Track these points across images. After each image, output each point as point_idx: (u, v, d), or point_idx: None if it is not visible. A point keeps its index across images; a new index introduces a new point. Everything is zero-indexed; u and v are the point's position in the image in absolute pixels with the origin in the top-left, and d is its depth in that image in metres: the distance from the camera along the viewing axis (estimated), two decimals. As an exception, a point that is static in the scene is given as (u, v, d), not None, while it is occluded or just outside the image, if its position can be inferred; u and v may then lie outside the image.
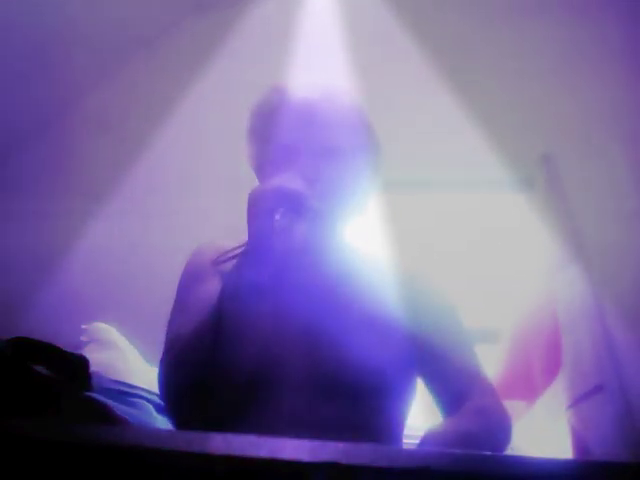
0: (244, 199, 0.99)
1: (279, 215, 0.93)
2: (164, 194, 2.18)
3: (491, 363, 1.09)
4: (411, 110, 2.11)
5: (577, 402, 1.61)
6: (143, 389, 1.42)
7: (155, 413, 1.37)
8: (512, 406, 1.03)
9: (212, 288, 1.01)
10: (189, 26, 2.36)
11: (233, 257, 1.02)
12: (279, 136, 1.07)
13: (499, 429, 0.96)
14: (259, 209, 0.93)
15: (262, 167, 1.11)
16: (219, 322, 0.94)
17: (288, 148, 1.05)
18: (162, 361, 1.00)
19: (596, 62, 2.07)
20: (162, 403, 1.15)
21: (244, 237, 0.98)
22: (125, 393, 1.38)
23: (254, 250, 0.95)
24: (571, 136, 2.03)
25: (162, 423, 1.31)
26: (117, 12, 2.14)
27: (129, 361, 1.73)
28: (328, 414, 0.92)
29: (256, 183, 1.10)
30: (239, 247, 1.03)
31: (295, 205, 0.93)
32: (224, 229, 1.13)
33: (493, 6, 2.21)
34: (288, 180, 0.95)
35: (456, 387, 1.00)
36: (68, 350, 1.24)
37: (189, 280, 1.10)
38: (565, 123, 2.04)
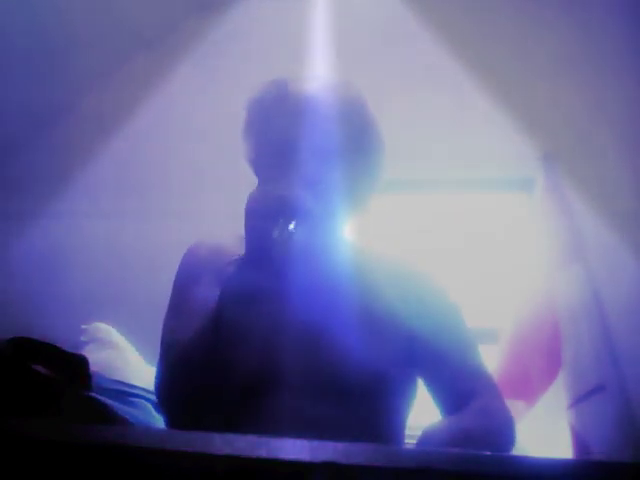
0: (244, 199, 0.99)
1: (279, 224, 0.92)
2: (164, 194, 2.18)
3: (491, 363, 1.08)
4: (411, 109, 2.11)
5: (577, 402, 1.61)
6: (143, 389, 1.42)
7: (155, 412, 1.37)
8: (512, 406, 1.02)
9: (209, 290, 1.00)
10: (189, 26, 2.36)
11: (230, 257, 1.02)
12: (278, 132, 1.04)
13: (501, 430, 0.95)
14: (258, 217, 0.92)
15: (259, 163, 1.09)
16: (218, 326, 0.93)
17: (286, 145, 1.02)
18: (159, 365, 0.99)
19: (596, 62, 2.07)
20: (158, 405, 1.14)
21: (239, 234, 0.97)
22: (125, 393, 1.38)
23: (254, 255, 0.94)
24: (571, 136, 2.03)
25: (162, 422, 1.31)
26: (117, 12, 2.14)
27: (129, 361, 1.73)
28: (329, 415, 0.91)
29: (255, 182, 1.09)
30: (235, 246, 1.03)
31: (295, 214, 0.93)
32: (224, 229, 1.13)
33: (493, 5, 2.21)
34: (287, 187, 0.94)
35: (457, 387, 0.99)
36: (68, 350, 1.24)
37: (185, 281, 1.08)
38: (565, 123, 2.04)
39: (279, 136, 1.04)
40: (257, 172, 1.10)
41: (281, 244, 0.92)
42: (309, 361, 0.95)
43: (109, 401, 1.18)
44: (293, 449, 0.53)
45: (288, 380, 0.94)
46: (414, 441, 0.86)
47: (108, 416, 1.13)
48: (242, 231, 0.97)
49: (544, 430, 1.63)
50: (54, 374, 1.10)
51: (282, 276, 0.99)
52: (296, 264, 1.01)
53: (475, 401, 0.95)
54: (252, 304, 0.97)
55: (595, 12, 2.10)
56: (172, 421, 0.99)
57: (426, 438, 0.83)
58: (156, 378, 0.99)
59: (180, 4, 2.34)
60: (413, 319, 1.02)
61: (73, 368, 1.17)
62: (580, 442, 1.56)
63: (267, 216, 0.92)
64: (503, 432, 0.95)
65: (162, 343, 1.02)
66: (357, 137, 1.06)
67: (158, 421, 1.33)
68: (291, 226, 0.93)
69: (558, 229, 1.85)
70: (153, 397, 1.39)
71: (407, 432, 1.03)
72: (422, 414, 1.08)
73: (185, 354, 0.94)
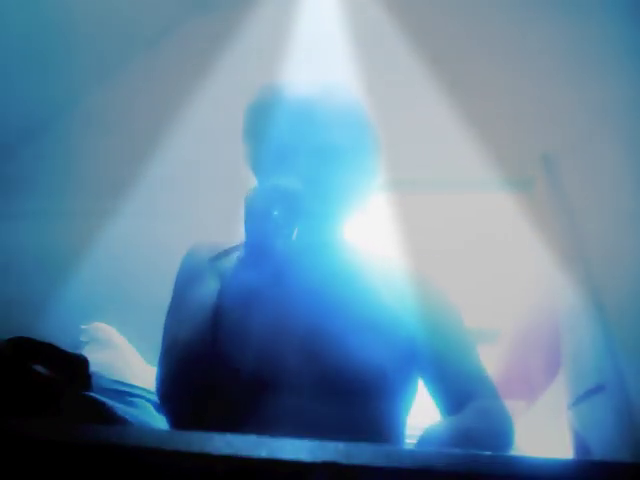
0: (243, 199, 0.99)
1: (276, 215, 0.93)
2: (164, 194, 2.18)
3: (491, 363, 1.09)
4: (411, 110, 2.11)
5: (577, 402, 1.61)
6: (143, 389, 1.42)
7: (155, 412, 1.37)
8: (512, 406, 1.03)
9: (209, 288, 1.01)
10: (189, 26, 2.36)
11: (230, 257, 1.02)
12: (276, 134, 1.06)
13: (501, 430, 0.95)
14: (256, 210, 0.94)
15: (259, 166, 1.10)
16: (219, 326, 0.93)
17: (285, 147, 1.04)
18: (160, 364, 1.00)
19: (596, 62, 2.07)
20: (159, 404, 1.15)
21: (241, 236, 0.98)
22: (125, 393, 1.38)
23: (252, 251, 0.95)
24: (571, 136, 2.03)
25: (162, 422, 1.31)
26: (117, 12, 2.14)
27: (129, 361, 1.73)
28: (329, 415, 0.92)
29: (255, 183, 1.10)
30: (236, 246, 1.03)
31: (291, 205, 0.93)
32: (225, 230, 1.13)
33: (493, 5, 2.21)
34: (284, 180, 0.95)
35: (457, 388, 0.99)
36: (68, 350, 1.24)
37: (185, 280, 1.09)
38: (565, 123, 2.04)
39: (277, 139, 1.06)
40: (257, 175, 1.11)
41: (279, 234, 0.93)
42: (309, 361, 0.95)
43: (109, 401, 1.18)
44: (293, 449, 0.53)
45: (288, 380, 0.94)
46: (415, 441, 0.86)
47: (108, 416, 1.13)
48: (241, 232, 0.97)
49: (544, 430, 1.64)
50: (54, 374, 1.10)
51: (282, 275, 1.00)
52: (296, 263, 1.02)
53: (475, 402, 0.96)
54: (252, 304, 0.98)
55: (594, 12, 2.10)
56: (173, 421, 0.99)
57: (426, 438, 0.83)
58: (157, 379, 1.00)
59: (181, 4, 2.34)
60: (412, 320, 1.02)
61: (73, 368, 1.17)
62: (580, 442, 1.56)
63: (264, 206, 0.93)
64: (503, 432, 0.95)
65: (163, 344, 1.03)
66: (354, 138, 1.08)
67: (158, 421, 1.33)
68: (288, 215, 0.94)
69: (558, 229, 1.85)
70: (153, 397, 1.39)
71: (407, 432, 1.03)
72: (422, 414, 1.08)
73: (186, 354, 0.95)
